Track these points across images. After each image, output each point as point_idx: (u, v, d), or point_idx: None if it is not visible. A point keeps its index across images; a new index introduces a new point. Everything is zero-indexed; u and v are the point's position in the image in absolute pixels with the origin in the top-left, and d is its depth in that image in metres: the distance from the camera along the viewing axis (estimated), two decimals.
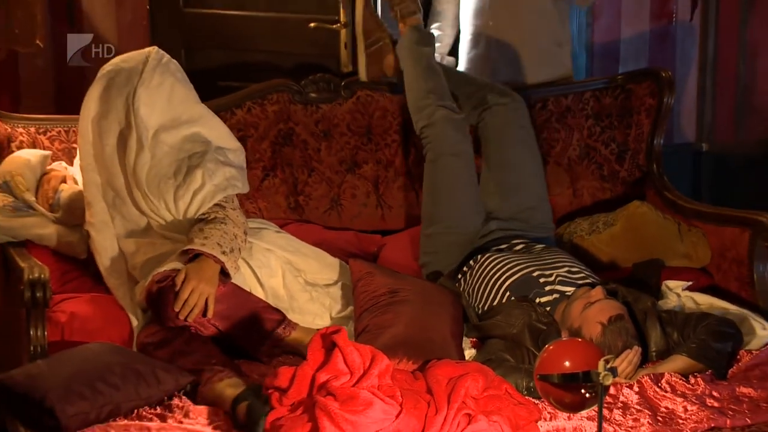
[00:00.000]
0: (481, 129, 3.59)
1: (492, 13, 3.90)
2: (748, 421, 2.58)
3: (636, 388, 2.75)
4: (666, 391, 2.73)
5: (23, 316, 2.88)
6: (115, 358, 2.73)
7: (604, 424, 2.52)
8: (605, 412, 2.60)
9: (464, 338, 3.10)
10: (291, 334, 3.02)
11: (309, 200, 3.68)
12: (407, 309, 3.04)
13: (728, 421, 2.57)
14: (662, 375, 2.80)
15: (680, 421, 2.59)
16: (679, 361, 2.85)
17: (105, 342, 2.90)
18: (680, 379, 2.78)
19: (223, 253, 2.95)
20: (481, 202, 3.50)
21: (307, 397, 2.50)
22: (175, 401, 2.70)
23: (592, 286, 3.06)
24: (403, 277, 3.24)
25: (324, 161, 3.68)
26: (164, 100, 3.17)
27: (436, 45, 3.98)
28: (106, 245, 3.12)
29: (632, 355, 2.84)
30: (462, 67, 4.03)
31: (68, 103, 3.73)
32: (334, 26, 3.80)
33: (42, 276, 2.86)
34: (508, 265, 3.22)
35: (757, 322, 3.06)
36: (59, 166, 3.36)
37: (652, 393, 2.73)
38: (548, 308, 3.07)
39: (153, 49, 3.23)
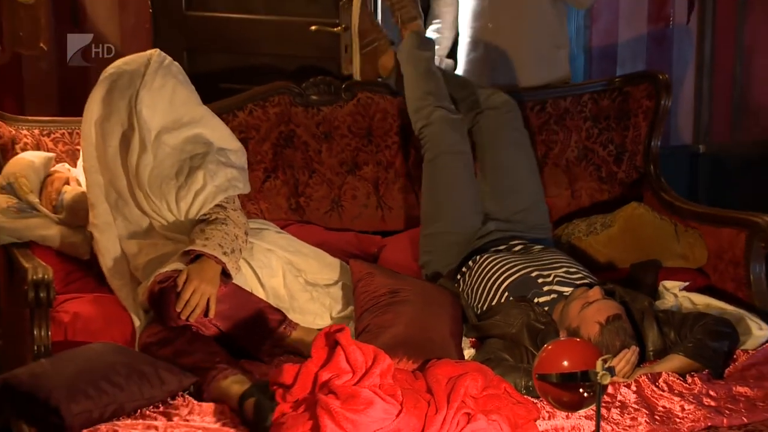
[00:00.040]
0: (475, 132, 3.60)
1: (491, 16, 3.90)
2: (745, 420, 2.58)
3: (633, 388, 2.75)
4: (663, 391, 2.73)
5: (27, 316, 2.88)
6: (118, 358, 2.73)
7: (602, 423, 2.52)
8: (603, 411, 2.60)
9: (463, 338, 3.10)
10: (292, 334, 3.02)
11: (310, 201, 3.68)
12: (407, 309, 3.04)
13: (725, 420, 2.57)
14: (659, 374, 2.80)
15: (677, 420, 2.59)
16: (676, 361, 2.85)
17: (108, 342, 2.90)
18: (677, 379, 2.78)
19: (224, 253, 2.95)
20: (479, 202, 3.50)
21: (310, 395, 2.50)
22: (179, 401, 2.70)
23: (590, 286, 3.06)
24: (403, 278, 3.25)
25: (325, 163, 3.68)
26: (166, 101, 3.18)
27: (436, 47, 4.00)
28: (108, 246, 3.12)
29: (630, 354, 2.84)
30: (461, 69, 4.03)
31: (72, 105, 3.73)
32: (335, 29, 3.81)
33: (46, 276, 2.86)
34: (507, 266, 3.22)
35: (753, 322, 3.06)
36: (63, 168, 3.36)
37: (649, 392, 2.72)
38: (546, 308, 3.07)
39: (155, 52, 3.23)
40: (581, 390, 2.31)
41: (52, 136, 3.44)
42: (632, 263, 3.44)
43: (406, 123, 3.64)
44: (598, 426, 2.33)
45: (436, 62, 3.99)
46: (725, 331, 2.94)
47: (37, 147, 3.40)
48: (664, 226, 3.55)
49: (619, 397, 2.72)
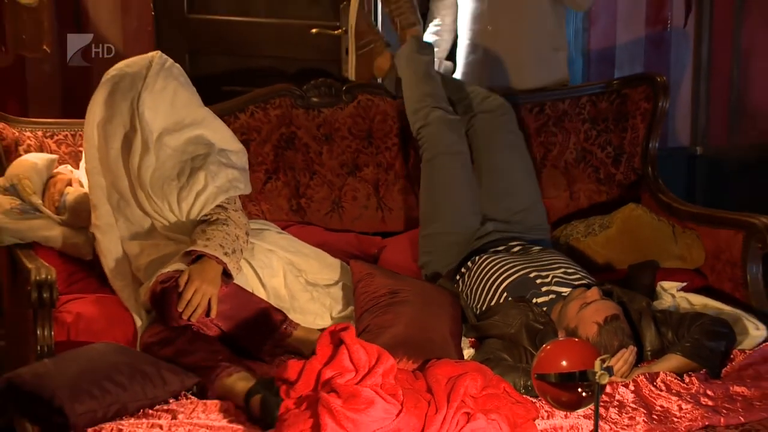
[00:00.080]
0: (470, 135, 3.60)
1: (491, 19, 3.91)
2: (742, 419, 2.58)
3: (631, 387, 2.76)
4: (661, 390, 2.73)
5: (30, 317, 2.89)
6: (121, 358, 2.74)
7: (601, 423, 2.52)
8: (601, 410, 2.61)
9: (463, 338, 3.10)
10: (292, 334, 3.03)
11: (311, 203, 3.68)
12: (407, 309, 3.05)
13: (722, 420, 2.58)
14: (657, 374, 2.80)
15: (675, 420, 2.59)
16: (674, 360, 2.85)
17: (110, 342, 2.91)
18: (675, 378, 2.78)
19: (225, 254, 2.96)
20: (477, 202, 3.51)
21: (313, 392, 2.51)
22: (183, 400, 2.71)
23: (588, 287, 3.07)
24: (403, 278, 3.25)
25: (325, 164, 3.69)
26: (167, 103, 3.18)
27: (434, 50, 4.03)
28: (110, 247, 3.13)
29: (628, 354, 2.85)
30: (459, 71, 4.03)
31: (75, 107, 3.71)
32: (336, 32, 3.83)
33: (49, 277, 2.87)
34: (506, 267, 3.23)
35: (750, 323, 3.07)
36: (65, 170, 3.37)
37: (647, 392, 2.73)
38: (545, 309, 3.07)
39: (156, 54, 3.24)
40: (580, 389, 2.31)
41: (55, 137, 3.45)
42: (630, 264, 3.44)
43: (406, 125, 3.65)
44: (596, 425, 2.34)
45: (436, 64, 4.01)
46: (722, 331, 2.94)
47: (41, 149, 3.40)
48: (662, 227, 3.55)
49: (618, 397, 2.73)
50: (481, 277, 3.26)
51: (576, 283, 3.14)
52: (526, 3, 3.90)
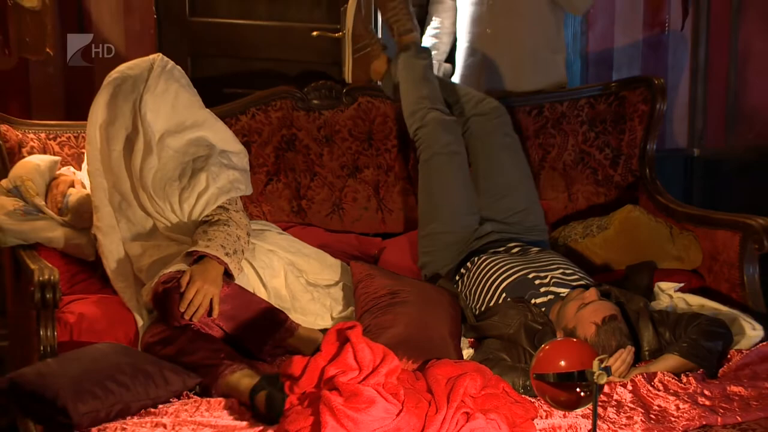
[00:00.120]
0: (466, 138, 3.61)
1: (490, 21, 3.92)
2: (739, 419, 2.59)
3: (629, 387, 2.77)
4: (659, 390, 2.74)
5: (33, 317, 2.90)
6: (123, 358, 2.75)
7: (599, 422, 2.54)
8: (599, 410, 2.62)
9: (462, 338, 3.11)
10: (293, 334, 3.03)
11: (311, 204, 3.69)
12: (407, 310, 3.06)
13: (719, 419, 2.58)
14: (655, 374, 2.81)
15: (672, 419, 2.60)
16: (671, 360, 2.86)
17: (113, 342, 2.92)
18: (672, 378, 2.79)
19: (227, 254, 2.97)
20: (475, 202, 3.51)
21: (315, 388, 2.51)
22: (185, 399, 2.71)
23: (586, 287, 3.07)
24: (403, 279, 3.26)
25: (326, 166, 3.70)
26: (169, 105, 3.20)
27: (434, 53, 3.99)
28: (112, 248, 3.13)
29: (626, 354, 2.86)
30: (458, 74, 4.04)
31: (78, 109, 3.74)
32: (336, 35, 3.84)
33: (52, 278, 2.88)
34: (504, 267, 3.24)
35: (747, 323, 3.07)
36: (68, 171, 3.38)
37: (645, 391, 2.73)
38: (543, 309, 3.08)
39: (158, 56, 3.25)
40: (578, 389, 2.32)
41: (58, 139, 3.46)
42: (628, 265, 3.45)
43: (406, 127, 3.64)
44: (594, 425, 2.34)
45: (435, 66, 4.02)
46: (719, 332, 2.95)
47: (44, 150, 3.42)
48: (660, 228, 3.56)
49: (616, 397, 2.73)
50: (480, 278, 3.27)
51: (574, 283, 3.14)
52: (524, 6, 3.91)
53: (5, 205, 3.24)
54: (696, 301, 3.21)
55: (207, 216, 3.13)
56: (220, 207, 3.14)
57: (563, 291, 3.11)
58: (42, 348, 2.87)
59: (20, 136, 3.42)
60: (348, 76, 3.74)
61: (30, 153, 3.40)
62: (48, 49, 3.83)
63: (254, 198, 3.59)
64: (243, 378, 2.74)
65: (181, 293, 2.87)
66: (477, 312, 3.23)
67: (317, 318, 3.24)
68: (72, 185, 3.34)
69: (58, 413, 2.55)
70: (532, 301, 3.12)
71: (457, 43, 4.06)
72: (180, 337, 2.89)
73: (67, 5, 4.04)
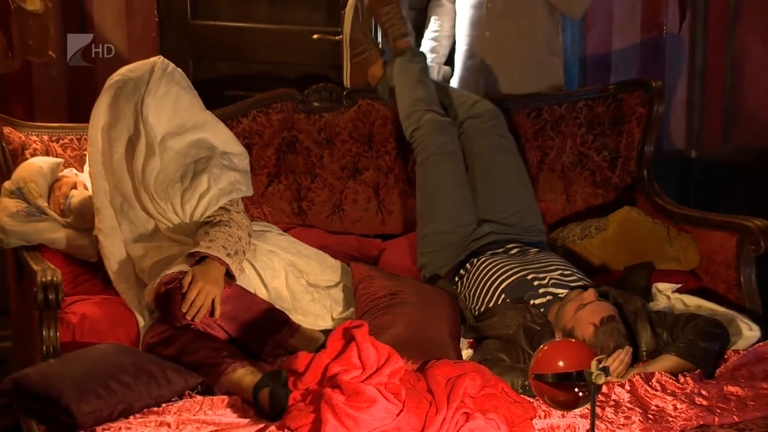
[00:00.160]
0: (462, 140, 3.61)
1: (489, 24, 3.92)
2: (736, 419, 2.60)
3: (627, 387, 2.77)
4: (656, 390, 2.75)
5: (36, 318, 2.91)
6: (126, 358, 2.75)
7: (597, 422, 2.54)
8: (598, 410, 2.63)
9: (462, 339, 3.12)
10: (294, 335, 3.03)
11: (312, 205, 3.69)
12: (407, 310, 3.06)
13: (716, 419, 2.59)
14: (653, 374, 2.82)
15: (670, 419, 2.60)
16: (669, 361, 2.87)
17: (115, 343, 2.92)
18: (670, 378, 2.79)
19: (228, 255, 2.98)
20: (472, 202, 3.52)
21: (318, 385, 2.52)
22: (187, 399, 2.72)
23: (585, 288, 3.08)
24: (403, 280, 3.27)
25: (326, 168, 3.70)
26: (170, 108, 3.20)
27: (433, 56, 4.02)
28: (114, 250, 3.14)
29: (623, 354, 2.86)
30: (457, 76, 4.04)
31: (80, 111, 3.74)
32: (337, 38, 3.84)
33: (54, 279, 2.88)
34: (503, 269, 3.24)
35: (744, 323, 3.08)
36: (70, 173, 3.38)
37: (642, 391, 2.74)
38: (542, 310, 3.08)
39: (158, 59, 3.26)
40: (576, 389, 2.33)
41: (61, 141, 3.46)
42: (626, 266, 3.45)
43: None
44: (592, 425, 2.35)
45: (436, 69, 4.03)
46: (716, 332, 2.96)
47: (46, 152, 3.42)
48: (657, 229, 3.56)
49: (614, 397, 2.74)
50: (479, 279, 3.27)
51: (572, 284, 3.15)
52: (523, 10, 3.92)
53: (8, 206, 3.24)
54: (693, 301, 3.22)
55: (208, 217, 3.13)
56: (221, 208, 3.15)
57: (562, 292, 3.12)
58: (45, 348, 2.87)
59: (23, 138, 3.42)
60: (347, 81, 3.75)
61: (33, 155, 3.40)
62: (51, 52, 3.83)
63: (255, 199, 3.59)
64: (246, 375, 2.75)
65: (183, 294, 2.88)
66: (476, 313, 3.24)
67: (318, 319, 3.24)
68: (74, 187, 3.34)
69: (62, 413, 2.55)
70: (531, 302, 3.12)
71: (456, 46, 4.06)
72: (181, 337, 2.90)
73: (69, 8, 4.06)
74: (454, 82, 4.06)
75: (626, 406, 2.69)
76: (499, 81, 3.95)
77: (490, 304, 3.20)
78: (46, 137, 3.46)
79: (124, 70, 3.25)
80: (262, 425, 2.56)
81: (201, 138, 3.24)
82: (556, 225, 3.78)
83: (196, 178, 3.15)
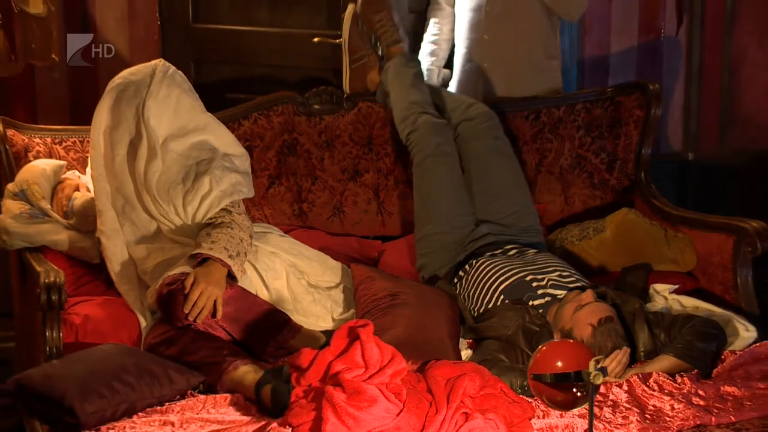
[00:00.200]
0: (458, 143, 3.62)
1: (487, 27, 3.93)
2: (732, 419, 2.60)
3: (625, 387, 2.78)
4: (654, 390, 2.75)
5: (39, 319, 2.91)
6: (128, 358, 2.76)
7: (595, 422, 2.55)
8: (596, 410, 2.62)
9: (461, 339, 3.13)
10: (296, 336, 3.03)
11: (312, 207, 3.70)
12: (406, 311, 3.07)
13: (713, 419, 2.59)
14: (650, 374, 2.82)
15: (667, 419, 2.61)
16: (666, 361, 2.87)
17: (117, 343, 2.93)
18: (667, 379, 2.79)
19: (230, 256, 2.99)
20: (469, 202, 3.53)
21: (320, 382, 2.52)
22: (190, 398, 2.73)
23: (583, 289, 3.08)
24: (403, 281, 3.28)
25: (327, 170, 3.71)
26: (171, 110, 3.22)
27: (432, 59, 4.03)
28: (116, 252, 3.15)
29: (621, 355, 2.86)
30: (456, 79, 4.05)
31: (83, 114, 3.74)
32: (337, 41, 3.85)
33: (57, 280, 2.89)
34: (502, 270, 3.25)
35: (740, 324, 3.08)
36: (73, 175, 3.39)
37: (640, 392, 2.74)
38: (541, 311, 3.09)
39: (159, 62, 3.27)
40: (574, 390, 2.34)
41: (64, 144, 3.46)
42: (623, 267, 3.45)
43: None
44: (591, 424, 2.36)
45: (435, 72, 4.04)
46: (713, 333, 2.96)
47: (49, 155, 3.42)
48: (655, 231, 3.56)
49: (611, 397, 2.75)
50: (478, 280, 3.28)
51: (571, 285, 3.16)
52: (521, 13, 3.93)
53: (12, 208, 3.26)
54: (690, 302, 3.22)
55: (210, 218, 3.14)
56: (223, 210, 3.16)
57: (560, 293, 3.13)
58: (48, 349, 2.88)
59: (26, 140, 3.43)
60: (346, 86, 3.77)
61: (36, 157, 3.41)
62: (53, 55, 3.84)
63: (256, 201, 3.60)
64: (247, 373, 2.76)
65: (185, 295, 2.88)
66: (475, 314, 3.24)
67: (318, 320, 3.25)
68: (77, 189, 3.35)
69: (65, 413, 2.56)
70: (530, 303, 3.13)
71: (455, 49, 4.07)
72: (182, 337, 2.91)
73: (72, 11, 4.07)
74: (452, 85, 4.07)
75: (624, 406, 2.70)
76: (497, 84, 3.96)
77: (489, 305, 3.20)
78: (49, 140, 3.46)
79: (125, 73, 3.26)
80: (264, 422, 2.57)
81: (202, 140, 3.25)
82: (555, 226, 3.79)
83: (198, 179, 3.16)
